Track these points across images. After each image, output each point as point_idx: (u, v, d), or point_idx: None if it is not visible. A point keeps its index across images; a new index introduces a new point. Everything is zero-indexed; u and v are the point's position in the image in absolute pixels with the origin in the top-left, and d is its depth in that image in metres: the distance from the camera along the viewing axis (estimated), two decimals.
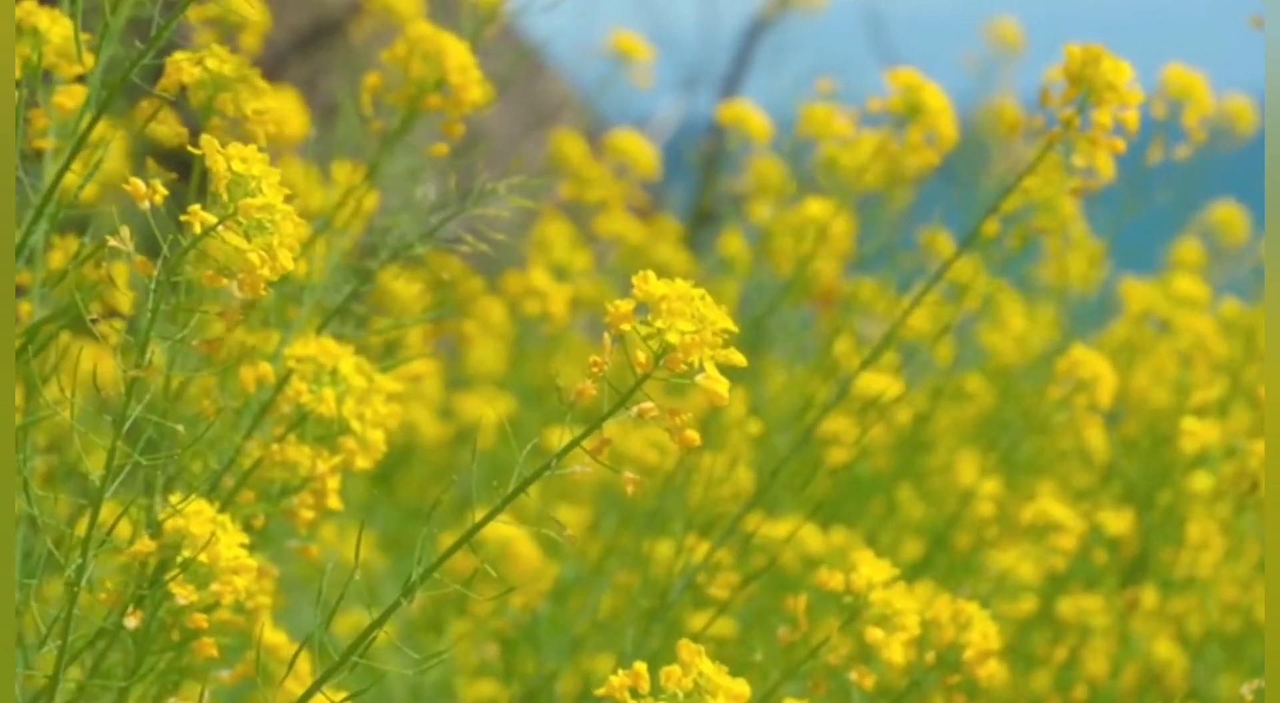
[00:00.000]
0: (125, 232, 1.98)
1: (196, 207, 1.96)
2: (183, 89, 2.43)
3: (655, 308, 1.90)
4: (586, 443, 1.94)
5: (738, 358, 1.91)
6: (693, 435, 1.92)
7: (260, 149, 1.98)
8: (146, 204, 1.96)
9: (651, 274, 1.92)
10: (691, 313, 1.90)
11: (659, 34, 8.60)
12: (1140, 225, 4.51)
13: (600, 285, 4.90)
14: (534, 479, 1.96)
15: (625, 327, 1.90)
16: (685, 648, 1.96)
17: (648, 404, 1.92)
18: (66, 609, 2.14)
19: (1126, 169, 3.05)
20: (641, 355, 1.90)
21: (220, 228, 1.96)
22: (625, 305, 1.91)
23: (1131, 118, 2.64)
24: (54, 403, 2.11)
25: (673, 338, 1.90)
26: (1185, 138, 3.03)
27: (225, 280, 1.97)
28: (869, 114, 2.96)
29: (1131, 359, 4.37)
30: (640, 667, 1.94)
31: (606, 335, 1.90)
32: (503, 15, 3.00)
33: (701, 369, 1.90)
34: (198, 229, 1.96)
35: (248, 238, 1.97)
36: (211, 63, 2.42)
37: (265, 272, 1.96)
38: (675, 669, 1.95)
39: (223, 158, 1.97)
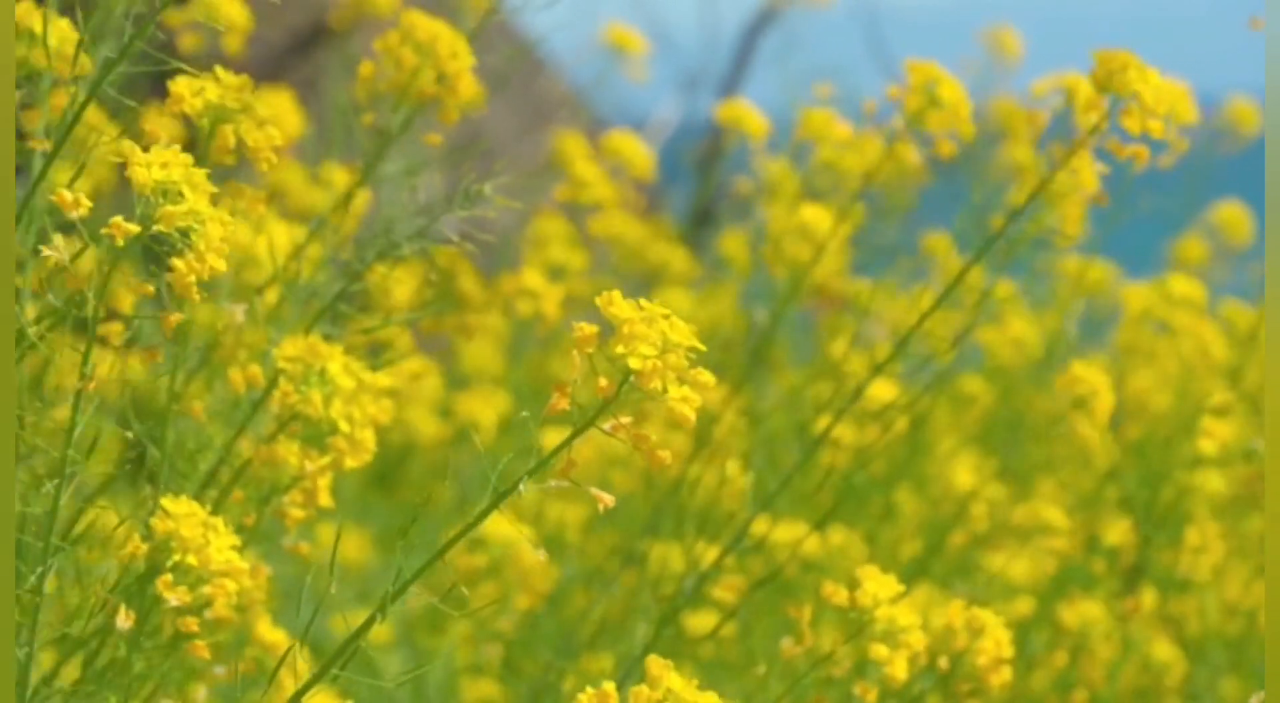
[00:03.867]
0: (59, 239, 1.97)
1: (119, 219, 1.95)
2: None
3: (617, 332, 1.89)
4: (556, 460, 1.93)
5: (706, 378, 1.90)
6: (664, 455, 1.91)
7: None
8: (75, 214, 1.95)
9: (617, 295, 1.90)
10: (655, 336, 1.89)
11: (658, 34, 8.59)
12: (1142, 226, 4.50)
13: (599, 285, 4.88)
14: (509, 494, 1.95)
15: (589, 350, 1.89)
16: (654, 663, 1.95)
17: (616, 423, 1.91)
18: (31, 618, 2.13)
19: (1128, 170, 3.04)
20: (604, 381, 1.89)
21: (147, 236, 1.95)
22: (590, 329, 1.90)
23: (1157, 126, 2.62)
24: (46, 405, 2.10)
25: (634, 363, 1.88)
26: (1167, 147, 3.02)
27: (150, 288, 1.97)
28: (883, 104, 2.93)
29: (1132, 362, 4.35)
30: (609, 686, 1.93)
31: (575, 354, 1.89)
32: (501, 13, 2.99)
33: (666, 391, 1.89)
34: (120, 242, 1.95)
35: (175, 245, 1.95)
36: (212, 93, 2.39)
37: (192, 277, 1.95)
38: (643, 689, 1.94)
39: (142, 167, 1.95)
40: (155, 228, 1.95)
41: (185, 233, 1.96)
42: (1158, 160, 3.01)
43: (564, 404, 1.90)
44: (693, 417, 1.88)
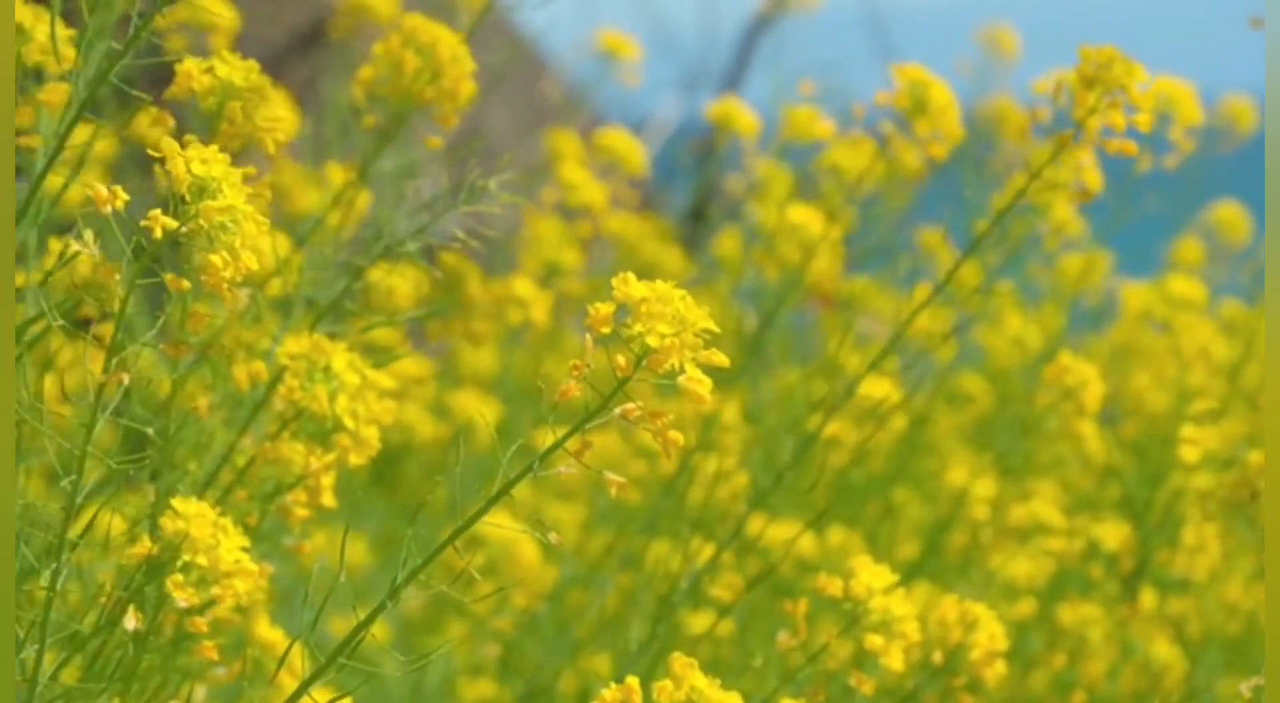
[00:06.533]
0: (89, 235, 1.97)
1: (157, 211, 1.95)
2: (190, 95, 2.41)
3: (635, 311, 1.89)
4: (569, 444, 1.93)
5: (719, 358, 1.90)
6: (676, 436, 1.91)
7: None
8: (108, 209, 1.95)
9: (631, 276, 1.91)
10: (671, 315, 1.89)
11: (659, 34, 8.60)
12: (1140, 226, 4.50)
13: (595, 284, 4.88)
14: (517, 481, 1.95)
15: (605, 330, 1.89)
16: (678, 662, 1.95)
17: (630, 406, 1.90)
18: (43, 613, 2.13)
19: (1127, 170, 3.04)
20: (621, 359, 1.89)
21: (182, 231, 1.95)
22: (605, 308, 1.90)
23: (1144, 120, 2.62)
24: (41, 403, 2.10)
25: (652, 341, 1.89)
26: (1173, 147, 3.01)
27: (187, 284, 1.96)
28: (872, 110, 2.93)
29: (1130, 361, 4.35)
30: (633, 681, 1.93)
31: (588, 337, 1.89)
32: (501, 12, 2.99)
33: (683, 371, 1.89)
34: (158, 234, 1.95)
35: (210, 240, 1.95)
36: (221, 70, 2.40)
37: (228, 273, 1.95)
38: (668, 684, 1.94)
39: (182, 160, 1.95)
40: (193, 223, 1.95)
41: (222, 229, 1.96)
42: (1161, 161, 3.00)
43: (575, 390, 1.89)
44: (708, 396, 1.89)
